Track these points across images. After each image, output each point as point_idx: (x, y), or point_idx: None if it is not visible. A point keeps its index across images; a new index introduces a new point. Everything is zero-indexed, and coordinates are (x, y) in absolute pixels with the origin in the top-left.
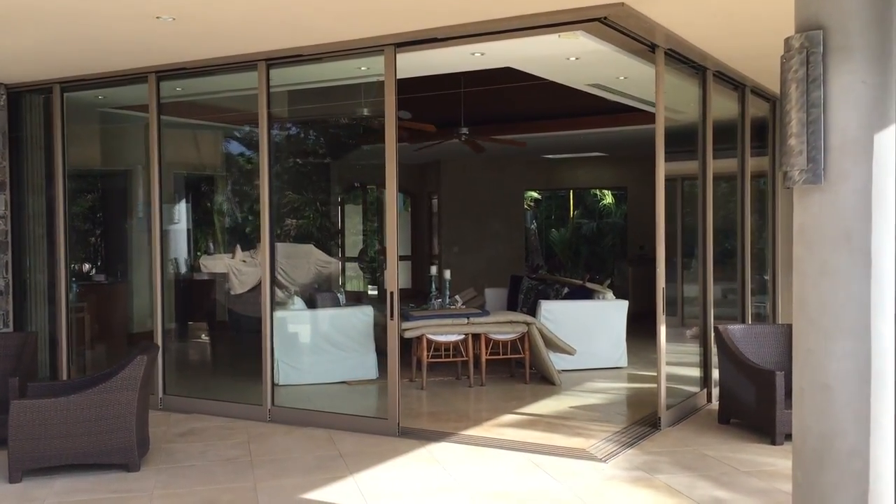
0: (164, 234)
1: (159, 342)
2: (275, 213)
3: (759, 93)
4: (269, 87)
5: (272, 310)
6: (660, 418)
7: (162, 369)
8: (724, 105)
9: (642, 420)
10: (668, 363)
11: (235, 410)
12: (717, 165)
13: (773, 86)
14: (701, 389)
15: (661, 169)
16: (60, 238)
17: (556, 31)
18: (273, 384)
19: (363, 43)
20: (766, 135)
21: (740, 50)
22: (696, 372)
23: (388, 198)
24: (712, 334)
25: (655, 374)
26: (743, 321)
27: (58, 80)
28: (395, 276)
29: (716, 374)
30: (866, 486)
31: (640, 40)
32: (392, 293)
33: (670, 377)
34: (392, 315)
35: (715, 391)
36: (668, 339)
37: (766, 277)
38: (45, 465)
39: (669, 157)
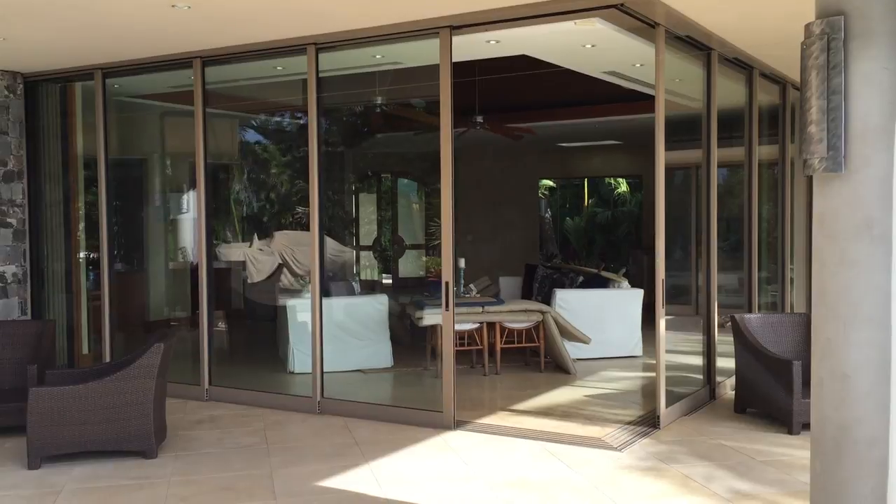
0: (182, 223)
1: (205, 334)
2: (324, 200)
3: (769, 76)
4: (318, 71)
5: (321, 297)
6: (658, 417)
7: (207, 361)
8: (737, 90)
9: (657, 409)
10: (682, 352)
11: (283, 402)
12: (732, 154)
13: (784, 69)
14: (706, 383)
15: (662, 155)
16: (103, 227)
17: (575, 18)
18: (322, 375)
19: (417, 25)
20: (778, 121)
21: (755, 33)
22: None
23: (443, 183)
24: (716, 325)
25: (669, 363)
26: (750, 311)
27: (99, 65)
28: (451, 264)
29: (719, 364)
30: (886, 475)
31: (645, 20)
32: (447, 283)
33: (684, 367)
34: (447, 306)
35: (728, 381)
36: (684, 329)
37: (780, 266)
38: (64, 451)
39: (684, 145)
